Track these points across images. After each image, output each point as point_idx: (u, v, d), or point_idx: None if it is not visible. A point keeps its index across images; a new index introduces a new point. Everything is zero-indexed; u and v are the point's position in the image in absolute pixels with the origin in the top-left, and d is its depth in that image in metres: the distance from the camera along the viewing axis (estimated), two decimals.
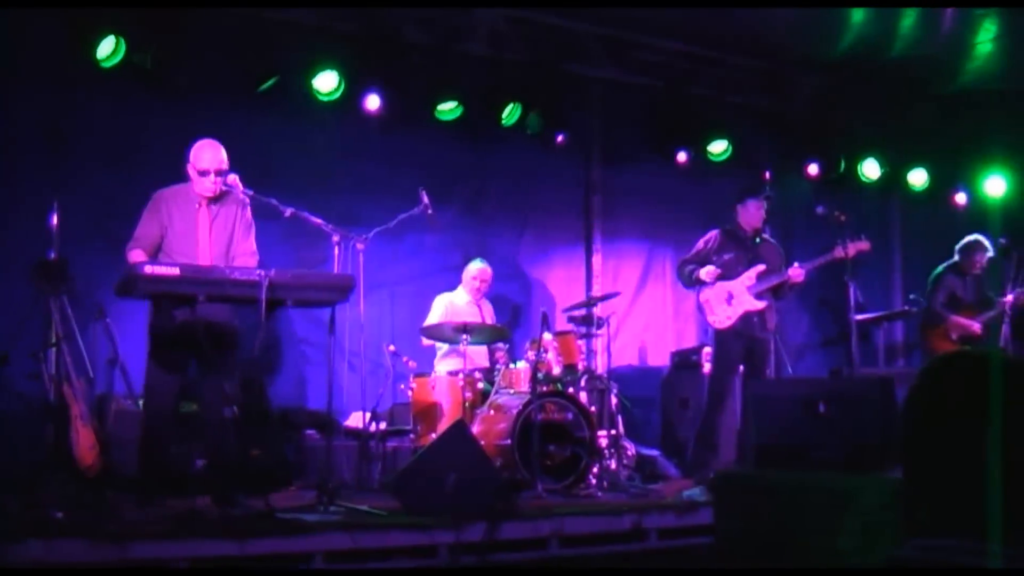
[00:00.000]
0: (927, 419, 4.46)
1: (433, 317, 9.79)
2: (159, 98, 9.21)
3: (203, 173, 7.21)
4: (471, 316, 9.71)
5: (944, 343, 10.55)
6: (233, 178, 7.21)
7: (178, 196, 7.32)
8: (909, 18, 10.27)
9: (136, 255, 7.09)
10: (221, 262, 7.17)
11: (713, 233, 9.30)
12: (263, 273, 6.62)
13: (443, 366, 9.59)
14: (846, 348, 9.91)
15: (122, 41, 8.69)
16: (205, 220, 7.27)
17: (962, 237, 10.87)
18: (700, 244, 9.29)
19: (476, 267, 10.04)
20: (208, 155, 7.25)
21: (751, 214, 9.24)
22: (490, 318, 10.03)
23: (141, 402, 8.15)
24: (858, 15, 10.25)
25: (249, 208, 7.42)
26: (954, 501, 4.28)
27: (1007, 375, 4.22)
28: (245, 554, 6.09)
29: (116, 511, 6.58)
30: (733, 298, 8.99)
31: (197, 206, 7.29)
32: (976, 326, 10.45)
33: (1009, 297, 10.26)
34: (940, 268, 10.84)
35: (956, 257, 10.82)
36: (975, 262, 10.72)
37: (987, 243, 10.78)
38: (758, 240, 9.29)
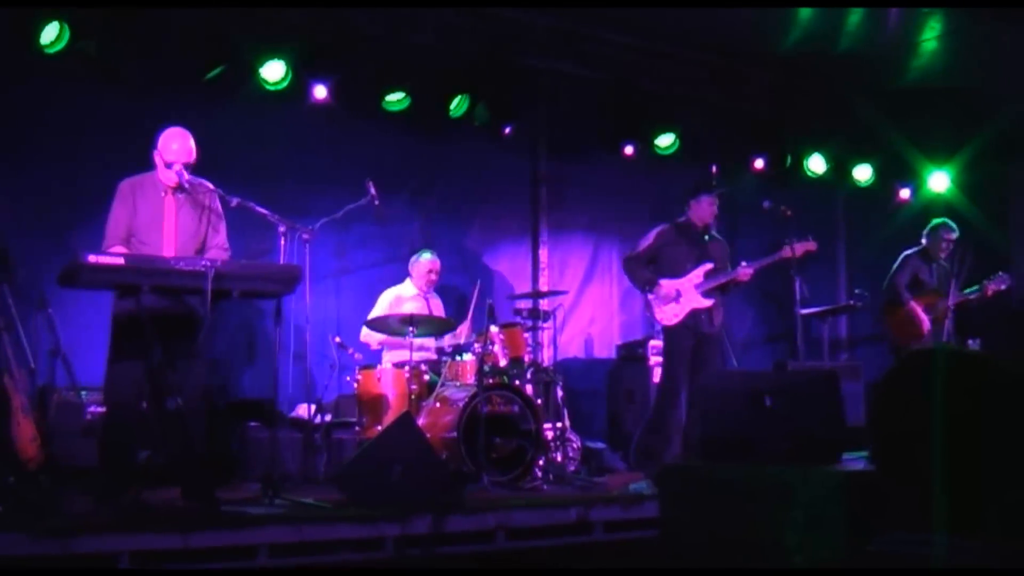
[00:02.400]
0: (895, 414, 4.51)
1: (379, 311, 9.74)
2: (104, 85, 9.09)
3: (169, 164, 7.11)
4: (420, 309, 9.68)
5: (902, 330, 10.51)
6: (178, 167, 7.11)
7: (144, 184, 7.18)
8: (855, 15, 10.33)
9: (117, 251, 6.93)
10: (188, 253, 7.04)
11: (663, 227, 9.32)
12: (209, 263, 6.56)
13: (390, 358, 9.56)
14: (791, 342, 9.96)
15: (66, 27, 8.55)
16: (171, 209, 7.14)
17: (907, 233, 10.87)
18: (651, 239, 9.29)
19: (427, 258, 9.99)
20: (176, 145, 7.13)
21: (704, 209, 9.27)
22: (438, 310, 10.00)
23: (84, 393, 8.10)
24: (805, 12, 10.29)
25: (218, 199, 7.34)
26: (918, 495, 4.33)
27: (954, 371, 4.27)
28: (189, 547, 6.04)
29: (58, 504, 6.51)
30: (681, 296, 9.04)
31: (163, 194, 7.16)
32: (926, 324, 10.40)
33: (949, 302, 10.27)
34: (909, 251, 10.76)
35: (924, 242, 10.70)
36: (942, 244, 10.60)
37: (953, 224, 10.73)
38: (707, 237, 9.32)
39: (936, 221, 10.79)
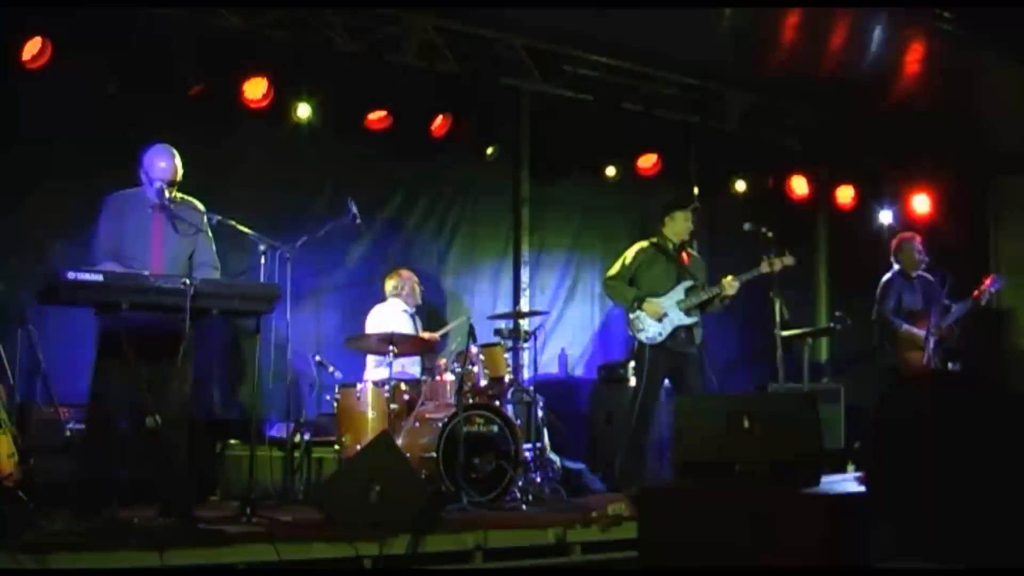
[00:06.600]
0: (889, 438, 4.52)
1: (374, 327, 9.71)
2: (85, 101, 9.03)
3: (151, 182, 7.13)
4: (411, 328, 9.71)
5: (906, 350, 10.39)
6: (159, 185, 7.10)
7: (132, 200, 7.21)
8: (839, 38, 10.36)
9: (106, 266, 6.91)
10: (174, 270, 6.99)
11: (641, 246, 9.33)
12: (188, 281, 6.55)
13: (373, 376, 9.54)
14: (771, 364, 9.95)
15: (49, 43, 8.53)
16: (158, 226, 7.15)
17: (889, 255, 10.83)
18: (630, 257, 9.30)
19: (410, 273, 10.03)
20: (162, 163, 7.14)
21: (679, 225, 9.30)
22: (421, 329, 10.00)
23: (64, 410, 8.06)
24: (788, 34, 10.32)
25: (206, 217, 7.33)
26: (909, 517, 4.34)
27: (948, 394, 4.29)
28: (165, 566, 6.02)
29: (35, 521, 6.48)
30: (665, 314, 9.03)
31: (150, 211, 7.16)
32: (929, 340, 10.27)
33: (946, 321, 10.23)
34: (887, 276, 10.69)
35: (896, 265, 10.69)
36: (915, 256, 10.60)
37: (912, 233, 10.81)
38: (684, 253, 9.34)
39: (896, 239, 10.84)
